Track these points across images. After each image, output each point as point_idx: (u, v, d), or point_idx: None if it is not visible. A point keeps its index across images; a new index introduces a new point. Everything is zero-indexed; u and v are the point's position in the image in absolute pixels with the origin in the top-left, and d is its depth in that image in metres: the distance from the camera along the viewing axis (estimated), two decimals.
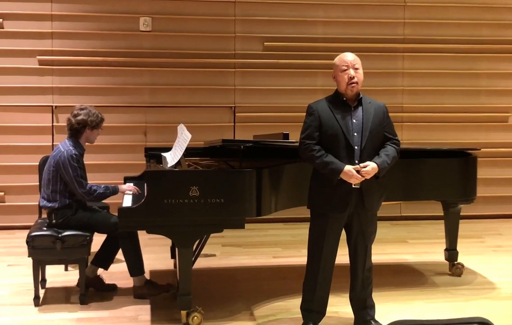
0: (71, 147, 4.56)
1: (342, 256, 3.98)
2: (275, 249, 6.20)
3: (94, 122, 4.65)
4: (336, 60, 3.82)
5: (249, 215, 4.05)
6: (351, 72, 3.73)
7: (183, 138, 4.41)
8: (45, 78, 6.98)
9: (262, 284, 5.04)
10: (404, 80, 7.55)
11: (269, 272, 5.42)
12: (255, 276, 5.31)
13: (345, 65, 3.74)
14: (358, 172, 3.64)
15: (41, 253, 4.44)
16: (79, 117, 4.61)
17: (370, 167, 3.65)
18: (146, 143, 6.89)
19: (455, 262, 5.24)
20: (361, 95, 3.79)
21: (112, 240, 4.65)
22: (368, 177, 3.65)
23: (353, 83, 3.72)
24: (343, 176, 3.64)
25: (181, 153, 4.34)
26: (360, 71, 3.77)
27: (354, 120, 3.73)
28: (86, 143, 4.74)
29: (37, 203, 4.85)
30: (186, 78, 7.20)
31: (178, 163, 4.27)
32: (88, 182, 4.59)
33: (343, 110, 3.74)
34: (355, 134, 3.70)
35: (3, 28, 6.90)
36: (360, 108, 3.76)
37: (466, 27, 7.57)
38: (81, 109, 4.66)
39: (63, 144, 4.62)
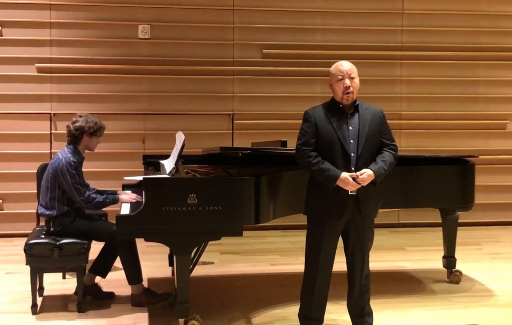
0: (69, 155, 4.57)
1: (340, 263, 3.97)
2: (273, 256, 6.19)
3: (92, 129, 4.65)
4: (332, 69, 3.82)
5: (247, 222, 4.05)
6: (347, 82, 3.73)
7: (179, 141, 4.41)
8: (43, 85, 6.98)
9: (260, 291, 5.04)
10: (402, 87, 7.56)
11: (267, 280, 5.42)
12: (253, 283, 5.31)
13: (341, 75, 3.75)
14: (354, 179, 3.64)
15: (39, 261, 4.43)
16: (77, 124, 4.63)
17: (366, 174, 3.65)
18: (144, 151, 6.90)
19: (453, 269, 5.24)
20: (357, 102, 3.80)
21: (110, 248, 4.64)
22: (364, 184, 3.65)
23: (349, 92, 3.73)
24: (339, 183, 3.64)
25: (177, 154, 4.34)
26: (356, 80, 3.77)
27: (350, 128, 3.73)
28: (87, 151, 4.74)
29: (35, 211, 4.85)
30: (184, 86, 7.21)
31: (177, 171, 4.27)
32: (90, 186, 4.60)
33: (339, 117, 3.75)
34: (352, 141, 3.71)
35: (1, 35, 6.90)
36: (356, 115, 3.77)
37: (464, 34, 7.59)
38: (80, 116, 4.69)
39: (62, 151, 4.63)
